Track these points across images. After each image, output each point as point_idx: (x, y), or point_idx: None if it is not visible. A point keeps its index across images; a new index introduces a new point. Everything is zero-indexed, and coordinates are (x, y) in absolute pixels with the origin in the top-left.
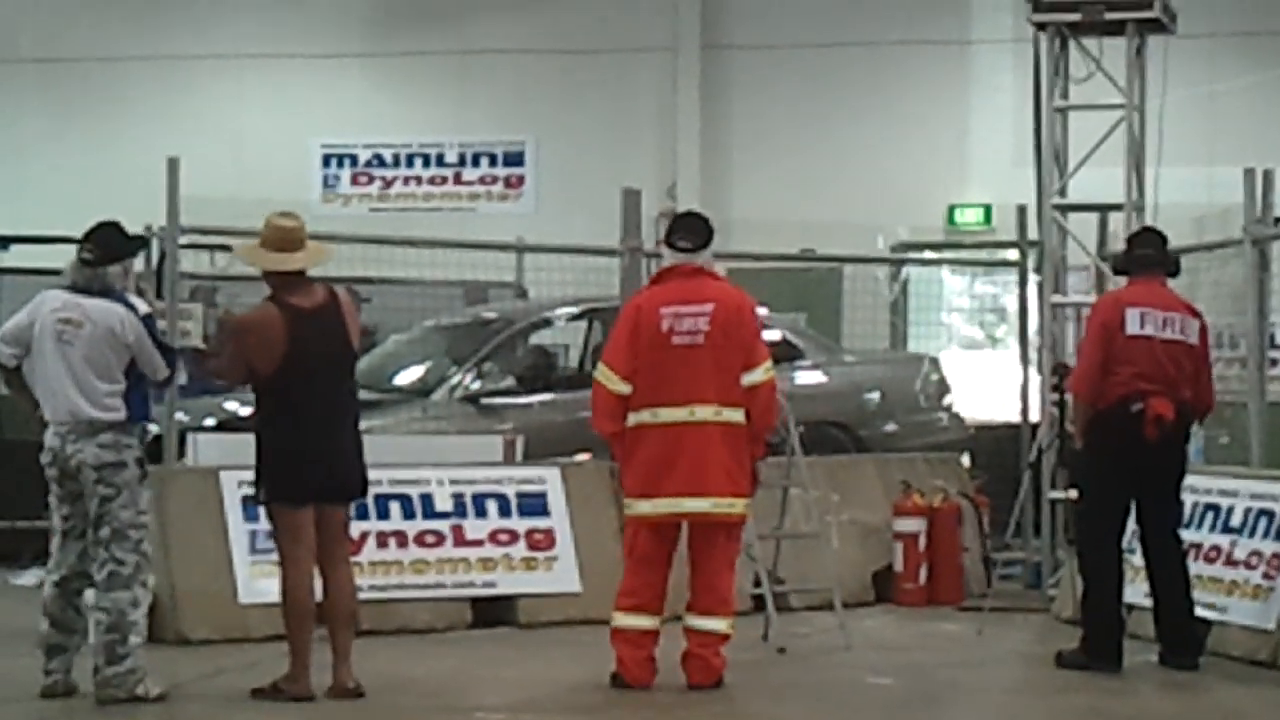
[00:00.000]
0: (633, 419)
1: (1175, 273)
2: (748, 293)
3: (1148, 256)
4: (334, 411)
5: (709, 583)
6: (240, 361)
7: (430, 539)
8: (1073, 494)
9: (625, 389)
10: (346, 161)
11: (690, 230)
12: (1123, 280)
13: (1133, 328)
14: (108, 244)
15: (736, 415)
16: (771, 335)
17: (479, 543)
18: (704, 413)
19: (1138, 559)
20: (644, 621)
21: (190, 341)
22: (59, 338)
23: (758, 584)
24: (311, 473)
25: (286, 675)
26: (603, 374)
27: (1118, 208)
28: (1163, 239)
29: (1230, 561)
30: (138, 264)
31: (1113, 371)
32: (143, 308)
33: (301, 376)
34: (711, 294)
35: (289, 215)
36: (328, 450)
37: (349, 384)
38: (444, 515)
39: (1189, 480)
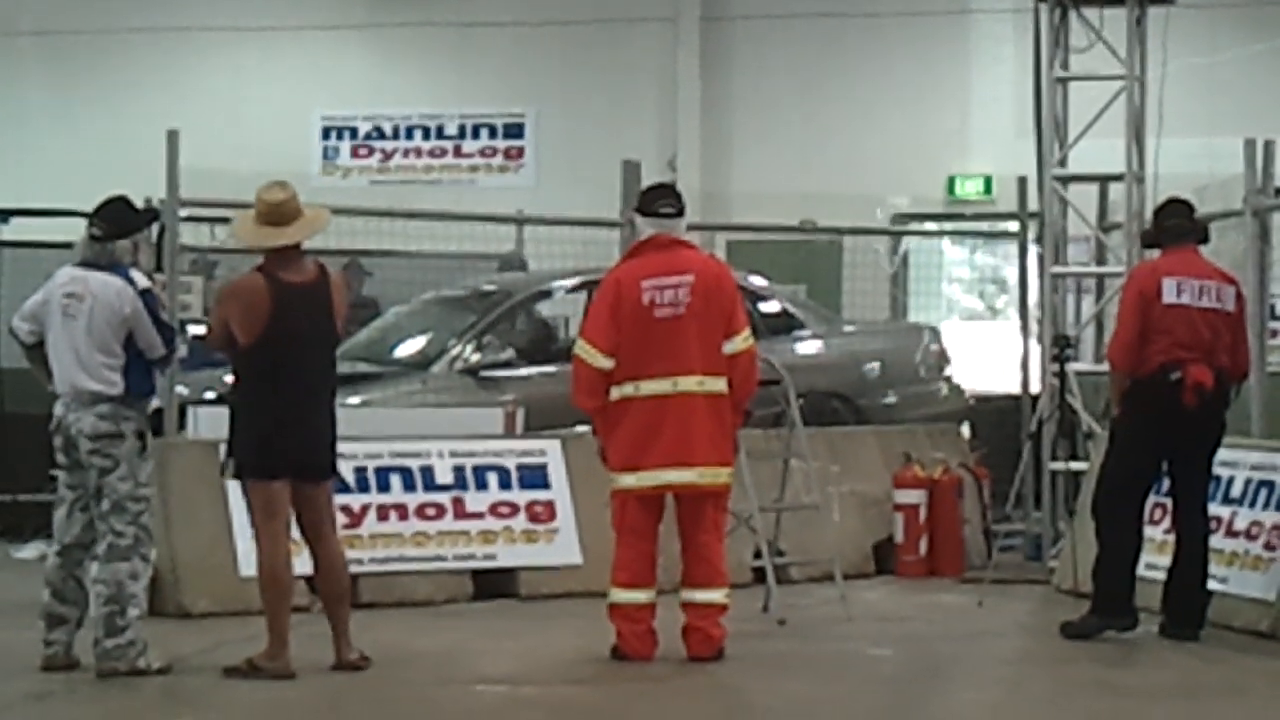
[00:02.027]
0: (616, 393)
1: (1205, 239)
2: (749, 264)
3: (1179, 226)
4: (311, 388)
5: (701, 555)
6: (223, 329)
7: (431, 511)
8: (1074, 465)
9: (607, 364)
10: (346, 134)
11: (671, 198)
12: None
13: (1170, 297)
14: (116, 219)
15: (720, 385)
16: (771, 306)
17: (480, 515)
18: (687, 383)
19: (1148, 530)
20: (640, 595)
21: (190, 314)
22: (64, 312)
23: (758, 556)
24: (285, 448)
25: (264, 652)
26: (583, 349)
27: (1118, 178)
28: (1190, 208)
29: (1231, 532)
30: None
31: (1151, 340)
32: (142, 282)
33: (280, 351)
34: (690, 264)
35: (279, 186)
36: (303, 427)
37: (329, 362)
38: (444, 488)
39: None
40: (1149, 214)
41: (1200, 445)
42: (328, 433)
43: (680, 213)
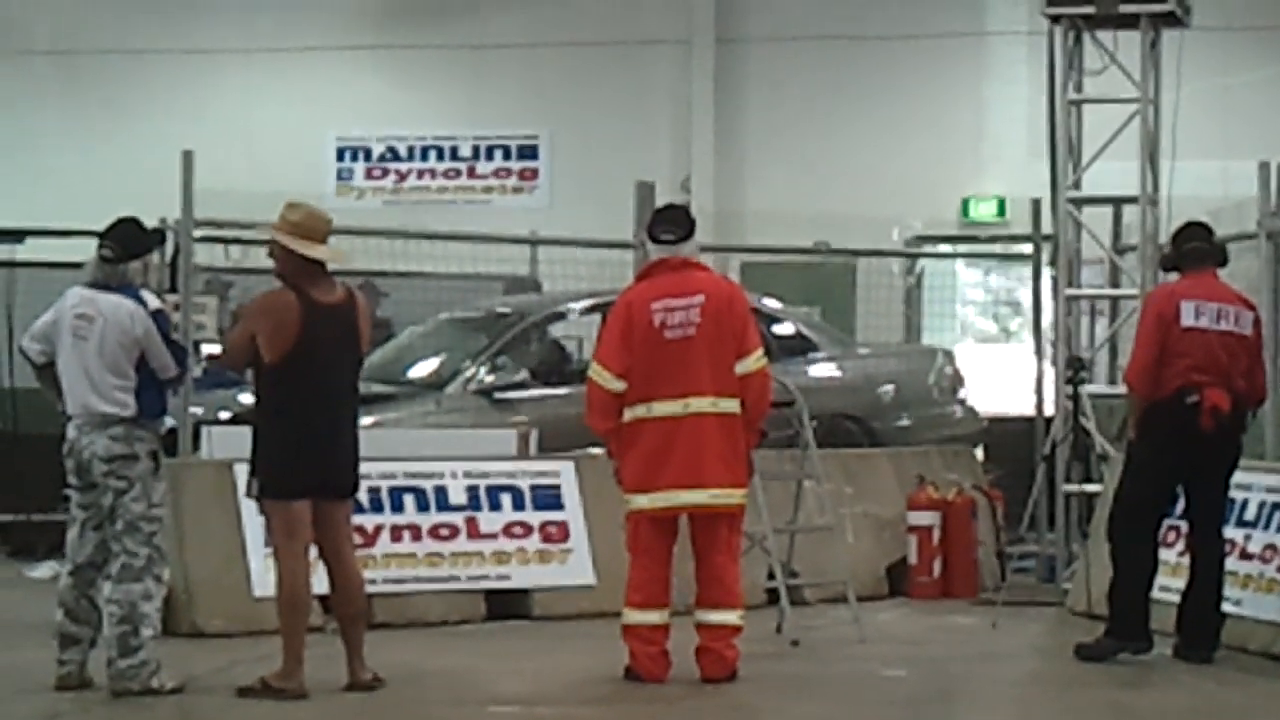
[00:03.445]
0: (628, 414)
1: (1224, 263)
2: (763, 286)
3: (1198, 249)
4: (334, 408)
5: (715, 575)
6: (246, 343)
7: (444, 532)
8: (1087, 487)
9: (620, 386)
10: (361, 155)
11: (672, 222)
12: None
13: (1188, 320)
14: (126, 240)
15: (733, 405)
16: (786, 328)
17: (493, 536)
18: (700, 404)
19: (1163, 552)
20: (653, 616)
21: (205, 334)
22: (75, 333)
23: (772, 577)
24: (307, 467)
25: (278, 672)
26: (596, 372)
27: (1132, 200)
28: (1209, 231)
29: (1245, 555)
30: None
31: (1168, 364)
32: (153, 303)
33: (306, 370)
34: (701, 285)
35: (306, 207)
36: (326, 446)
37: (353, 383)
38: (458, 508)
39: None
40: (1163, 237)
41: (1216, 468)
42: (350, 452)
43: (682, 238)
